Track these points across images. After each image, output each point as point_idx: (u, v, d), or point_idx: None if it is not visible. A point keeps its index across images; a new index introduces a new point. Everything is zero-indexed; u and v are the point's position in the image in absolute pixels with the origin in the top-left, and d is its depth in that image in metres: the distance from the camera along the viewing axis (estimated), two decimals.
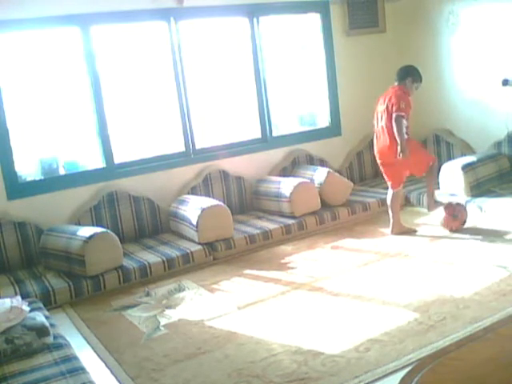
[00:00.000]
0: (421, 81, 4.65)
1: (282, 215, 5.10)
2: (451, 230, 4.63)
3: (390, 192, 4.79)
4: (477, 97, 5.64)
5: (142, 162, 5.12)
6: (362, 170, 6.27)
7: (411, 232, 4.75)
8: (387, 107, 4.53)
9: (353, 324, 3.24)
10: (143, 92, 5.21)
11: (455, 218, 4.64)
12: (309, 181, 5.22)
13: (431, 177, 4.83)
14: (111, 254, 4.18)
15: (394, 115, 4.43)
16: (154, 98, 5.27)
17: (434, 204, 4.88)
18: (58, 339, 2.92)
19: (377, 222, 5.15)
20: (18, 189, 4.58)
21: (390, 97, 4.55)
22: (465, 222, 4.68)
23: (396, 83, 4.64)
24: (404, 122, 4.43)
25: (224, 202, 4.94)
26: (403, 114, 4.42)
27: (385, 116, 4.55)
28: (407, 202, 5.53)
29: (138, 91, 5.19)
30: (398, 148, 4.41)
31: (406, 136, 4.43)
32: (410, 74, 4.60)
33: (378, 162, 4.80)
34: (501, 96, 5.40)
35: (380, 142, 4.67)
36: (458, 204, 4.72)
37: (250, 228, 4.89)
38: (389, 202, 4.80)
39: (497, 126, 5.47)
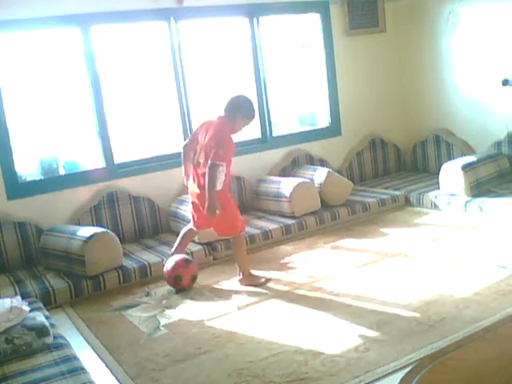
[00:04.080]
0: (253, 117, 4.02)
1: (282, 215, 5.10)
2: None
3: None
4: (477, 97, 5.65)
5: (142, 162, 5.13)
6: (362, 170, 6.27)
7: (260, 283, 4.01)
8: (206, 148, 3.83)
9: (353, 324, 3.24)
10: (143, 92, 5.21)
11: (178, 280, 3.93)
12: (309, 181, 5.22)
13: (237, 246, 4.09)
14: (111, 254, 4.17)
15: (209, 162, 3.74)
16: (153, 98, 5.27)
17: (247, 277, 4.05)
18: (58, 339, 2.91)
19: (377, 222, 5.15)
20: (18, 189, 4.58)
21: (211, 134, 3.86)
22: (191, 280, 3.98)
23: (224, 114, 3.96)
24: (221, 171, 3.75)
25: None
26: (221, 163, 3.74)
27: (203, 156, 3.86)
28: (407, 202, 5.54)
29: (137, 91, 5.19)
30: (206, 202, 3.75)
31: (219, 188, 3.77)
32: (239, 110, 3.92)
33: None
34: (501, 96, 5.40)
35: (193, 184, 4.00)
36: (186, 261, 3.99)
37: (250, 228, 4.88)
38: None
39: (497, 126, 5.48)
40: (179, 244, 4.20)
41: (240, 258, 4.09)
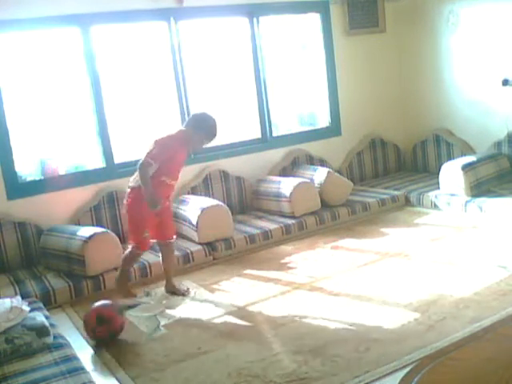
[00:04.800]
0: (211, 139, 3.78)
1: (282, 215, 5.09)
2: (95, 337, 3.30)
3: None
4: (477, 97, 5.64)
5: None
6: (362, 170, 6.27)
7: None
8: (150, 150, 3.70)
9: (352, 324, 3.24)
10: (143, 92, 5.21)
11: (102, 323, 3.25)
12: (309, 181, 5.22)
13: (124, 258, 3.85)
14: (111, 253, 4.17)
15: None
16: (153, 98, 5.27)
17: (174, 287, 3.92)
18: (58, 339, 2.91)
19: (377, 222, 5.15)
20: (18, 189, 4.57)
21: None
22: (118, 329, 3.32)
23: (184, 128, 3.85)
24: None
25: (224, 202, 4.94)
26: (149, 160, 3.62)
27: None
28: (407, 202, 5.54)
29: (137, 91, 5.19)
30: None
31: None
32: (202, 128, 3.74)
33: None
34: (501, 96, 5.40)
35: None
36: (110, 306, 3.39)
37: (250, 228, 4.89)
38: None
39: (497, 126, 5.48)
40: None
41: (121, 269, 3.82)
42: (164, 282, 4.02)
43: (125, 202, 3.84)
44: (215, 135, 3.80)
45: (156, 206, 3.62)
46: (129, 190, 3.79)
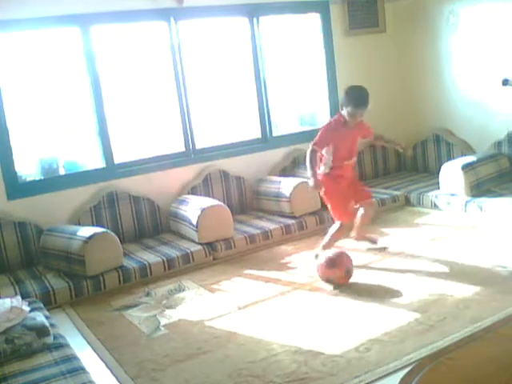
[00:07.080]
0: (356, 106, 4.00)
1: (282, 215, 5.10)
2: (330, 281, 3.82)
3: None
4: (477, 97, 5.64)
5: (142, 162, 5.12)
6: (362, 170, 6.26)
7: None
8: None
9: (353, 324, 3.24)
10: (143, 92, 5.21)
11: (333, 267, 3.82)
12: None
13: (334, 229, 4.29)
14: (111, 253, 4.17)
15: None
16: (153, 98, 5.27)
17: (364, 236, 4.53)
18: (58, 339, 2.92)
19: (377, 222, 5.14)
20: (18, 189, 4.58)
21: None
22: (346, 275, 3.82)
23: None
24: (321, 155, 4.14)
25: (224, 202, 4.94)
26: (314, 146, 4.07)
27: None
28: (407, 202, 5.54)
29: (137, 91, 5.19)
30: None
31: (325, 170, 4.16)
32: (344, 98, 4.09)
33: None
34: (501, 96, 5.40)
35: None
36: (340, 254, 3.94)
37: (250, 228, 4.89)
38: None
39: (497, 126, 5.47)
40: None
41: (328, 237, 4.27)
42: None
43: (323, 189, 4.20)
44: (358, 100, 4.02)
45: (316, 188, 4.09)
46: (320, 178, 4.13)
